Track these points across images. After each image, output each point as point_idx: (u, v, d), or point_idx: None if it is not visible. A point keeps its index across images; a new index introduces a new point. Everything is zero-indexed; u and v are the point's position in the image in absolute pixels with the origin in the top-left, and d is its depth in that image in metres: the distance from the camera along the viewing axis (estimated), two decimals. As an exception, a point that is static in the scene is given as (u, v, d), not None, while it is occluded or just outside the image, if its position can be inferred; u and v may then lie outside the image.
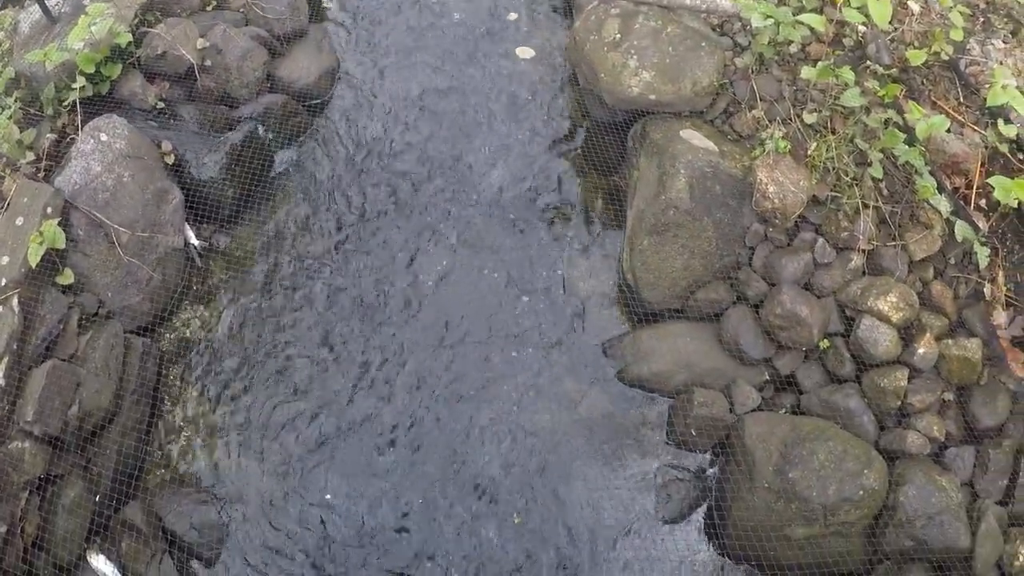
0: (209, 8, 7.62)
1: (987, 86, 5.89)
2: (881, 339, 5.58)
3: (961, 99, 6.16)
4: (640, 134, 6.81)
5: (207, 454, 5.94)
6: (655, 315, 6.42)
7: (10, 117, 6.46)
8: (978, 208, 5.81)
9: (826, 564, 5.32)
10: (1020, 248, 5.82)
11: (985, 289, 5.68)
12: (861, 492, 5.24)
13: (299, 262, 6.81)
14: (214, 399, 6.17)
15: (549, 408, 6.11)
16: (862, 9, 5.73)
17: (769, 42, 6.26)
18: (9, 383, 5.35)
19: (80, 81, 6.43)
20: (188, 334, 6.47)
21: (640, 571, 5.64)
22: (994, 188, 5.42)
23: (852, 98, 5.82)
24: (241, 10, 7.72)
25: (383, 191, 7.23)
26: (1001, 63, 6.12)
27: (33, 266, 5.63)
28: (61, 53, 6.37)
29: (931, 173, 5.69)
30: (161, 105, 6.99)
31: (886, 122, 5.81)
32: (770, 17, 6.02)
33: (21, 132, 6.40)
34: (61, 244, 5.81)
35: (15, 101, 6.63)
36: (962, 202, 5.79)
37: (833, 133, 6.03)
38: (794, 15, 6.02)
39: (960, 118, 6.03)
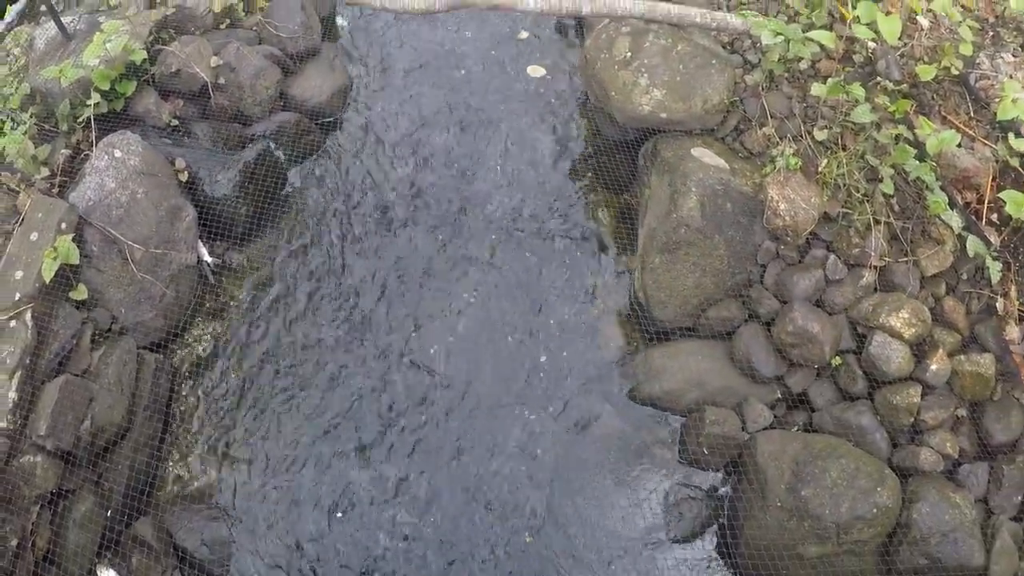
0: (223, 26, 7.67)
1: (997, 100, 5.88)
2: (893, 356, 5.56)
3: (972, 113, 6.16)
4: (651, 152, 6.83)
5: (218, 471, 5.94)
6: (667, 333, 6.40)
7: (25, 133, 6.52)
8: (990, 223, 5.79)
9: (839, 583, 5.29)
10: (1033, 263, 5.82)
11: (998, 304, 5.65)
12: (874, 510, 5.21)
13: (312, 280, 6.83)
14: (226, 416, 6.17)
15: (561, 426, 6.10)
16: (872, 26, 5.72)
17: (779, 59, 6.27)
18: (22, 397, 5.36)
19: (95, 98, 6.48)
20: (201, 351, 6.49)
21: (652, 589, 5.64)
22: (1006, 202, 5.41)
23: (862, 114, 5.81)
24: (254, 29, 7.78)
25: (395, 208, 7.25)
26: (1011, 77, 6.11)
27: (47, 281, 5.66)
28: (76, 70, 6.42)
29: (942, 188, 5.68)
30: (175, 122, 7.05)
31: (897, 138, 5.81)
32: (780, 34, 6.03)
33: (36, 148, 6.44)
34: (75, 260, 5.85)
35: (30, 117, 6.69)
36: (973, 217, 5.77)
37: (844, 149, 6.03)
38: (804, 32, 6.02)
39: (971, 133, 6.02)
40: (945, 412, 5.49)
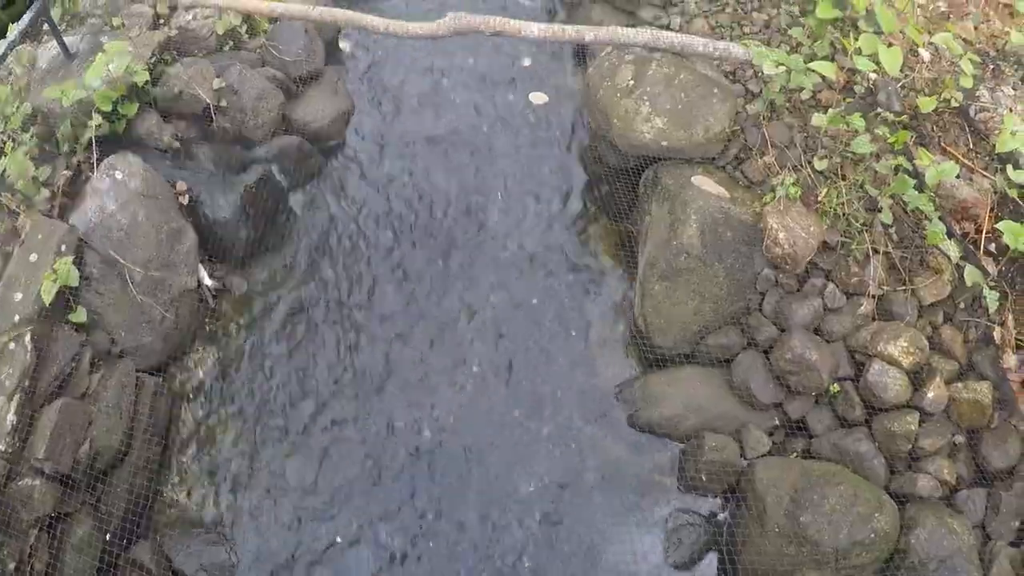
0: (226, 49, 7.69)
1: (997, 132, 5.93)
2: (891, 383, 5.59)
3: (971, 145, 6.20)
4: (652, 180, 6.85)
5: (217, 495, 5.93)
6: (666, 360, 6.41)
7: (26, 153, 6.49)
8: (987, 253, 5.84)
9: (838, 609, 5.28)
10: (1030, 292, 5.84)
11: (995, 333, 5.68)
12: (872, 535, 5.22)
13: (313, 305, 6.84)
14: (225, 440, 6.17)
15: (559, 452, 6.10)
16: (873, 57, 5.76)
17: (781, 89, 6.30)
18: (20, 420, 5.34)
19: (96, 119, 6.46)
20: (200, 375, 6.48)
21: (650, 616, 5.63)
22: (1003, 233, 5.43)
23: (862, 145, 5.85)
24: (257, 51, 7.79)
25: (395, 233, 7.27)
26: (1011, 110, 6.16)
27: (46, 303, 5.63)
28: (78, 90, 6.40)
29: (940, 218, 5.71)
30: (176, 144, 7.03)
31: (896, 168, 5.85)
32: (782, 65, 6.06)
33: (37, 168, 6.41)
34: (75, 282, 5.82)
35: (31, 137, 6.65)
36: (971, 247, 5.82)
37: (843, 179, 6.08)
38: (806, 63, 6.06)
39: (970, 164, 6.07)
40: (943, 439, 5.51)
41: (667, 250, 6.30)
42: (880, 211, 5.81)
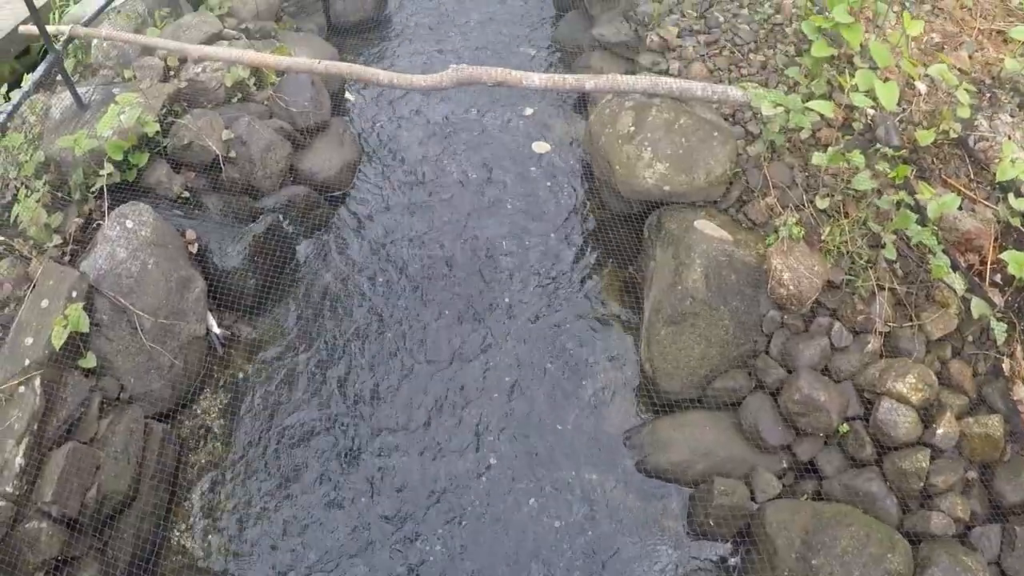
0: (234, 101, 7.82)
1: (997, 161, 5.96)
2: (901, 421, 5.54)
3: (971, 176, 6.22)
4: (655, 225, 6.90)
5: (224, 542, 5.89)
6: (674, 405, 6.40)
7: (39, 200, 6.59)
8: (993, 284, 5.81)
9: (851, 652, 5.21)
10: (1037, 322, 5.83)
11: (1004, 365, 5.65)
12: (886, 576, 5.17)
13: (320, 354, 6.85)
14: (232, 487, 6.14)
15: (567, 499, 6.06)
16: (870, 93, 5.82)
17: (780, 130, 6.36)
18: (29, 463, 5.34)
19: (108, 168, 6.58)
20: (208, 422, 6.48)
21: (662, 661, 5.57)
22: (1008, 263, 5.43)
23: (863, 181, 5.88)
24: (265, 103, 7.92)
25: (403, 285, 7.31)
26: (1010, 137, 6.19)
27: (57, 348, 5.68)
28: (90, 140, 6.53)
29: (944, 252, 5.70)
30: (186, 194, 7.14)
31: (898, 203, 5.86)
32: (780, 105, 6.13)
33: (49, 215, 6.53)
34: (85, 328, 5.88)
35: (44, 185, 6.77)
36: (977, 279, 5.80)
37: (846, 217, 6.10)
38: (804, 102, 6.13)
39: (971, 195, 6.08)
40: (955, 475, 5.43)
41: (672, 295, 6.30)
42: (884, 247, 5.80)
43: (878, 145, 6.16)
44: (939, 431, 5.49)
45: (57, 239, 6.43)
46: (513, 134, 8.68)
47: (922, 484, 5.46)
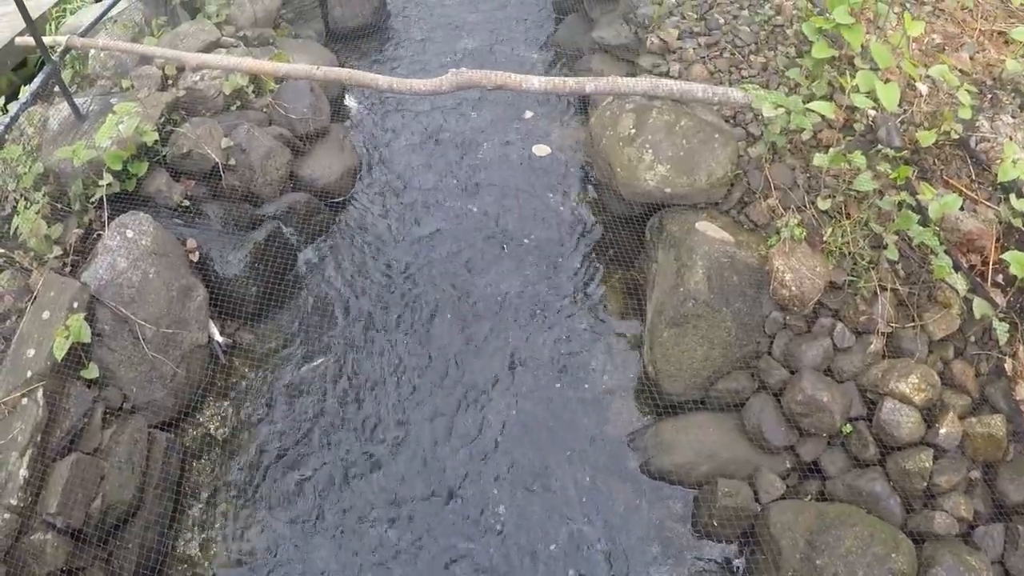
0: (233, 108, 7.83)
1: (998, 162, 5.95)
2: (904, 421, 5.53)
3: (973, 176, 6.21)
4: (657, 227, 6.89)
5: (229, 551, 5.89)
6: (677, 406, 6.39)
7: (38, 212, 6.60)
8: (995, 284, 5.80)
9: (857, 652, 5.20)
10: (1039, 322, 5.82)
11: (1006, 365, 5.64)
12: (890, 576, 5.16)
13: (323, 361, 6.86)
14: (237, 496, 6.14)
15: (572, 502, 6.05)
16: (871, 94, 5.81)
17: (781, 131, 6.35)
18: (33, 475, 5.34)
19: (107, 178, 6.58)
20: (211, 430, 6.49)
21: (667, 664, 5.56)
22: (1010, 263, 5.42)
23: (865, 182, 5.87)
24: (265, 110, 7.92)
25: (404, 289, 7.31)
26: (1011, 138, 6.18)
27: (59, 359, 5.68)
28: (89, 150, 6.53)
29: (946, 252, 5.69)
30: (186, 203, 7.14)
31: (899, 204, 5.85)
32: (781, 106, 6.12)
33: (49, 227, 6.54)
34: (87, 338, 5.87)
35: (43, 196, 6.78)
36: (979, 279, 5.79)
37: (848, 218, 6.09)
38: (805, 103, 6.12)
39: (973, 195, 6.07)
40: (958, 475, 5.43)
41: (674, 297, 6.29)
42: (886, 248, 5.79)
43: (879, 146, 6.16)
44: (942, 431, 5.48)
45: (57, 250, 6.43)
46: (513, 137, 8.68)
47: (925, 484, 5.46)
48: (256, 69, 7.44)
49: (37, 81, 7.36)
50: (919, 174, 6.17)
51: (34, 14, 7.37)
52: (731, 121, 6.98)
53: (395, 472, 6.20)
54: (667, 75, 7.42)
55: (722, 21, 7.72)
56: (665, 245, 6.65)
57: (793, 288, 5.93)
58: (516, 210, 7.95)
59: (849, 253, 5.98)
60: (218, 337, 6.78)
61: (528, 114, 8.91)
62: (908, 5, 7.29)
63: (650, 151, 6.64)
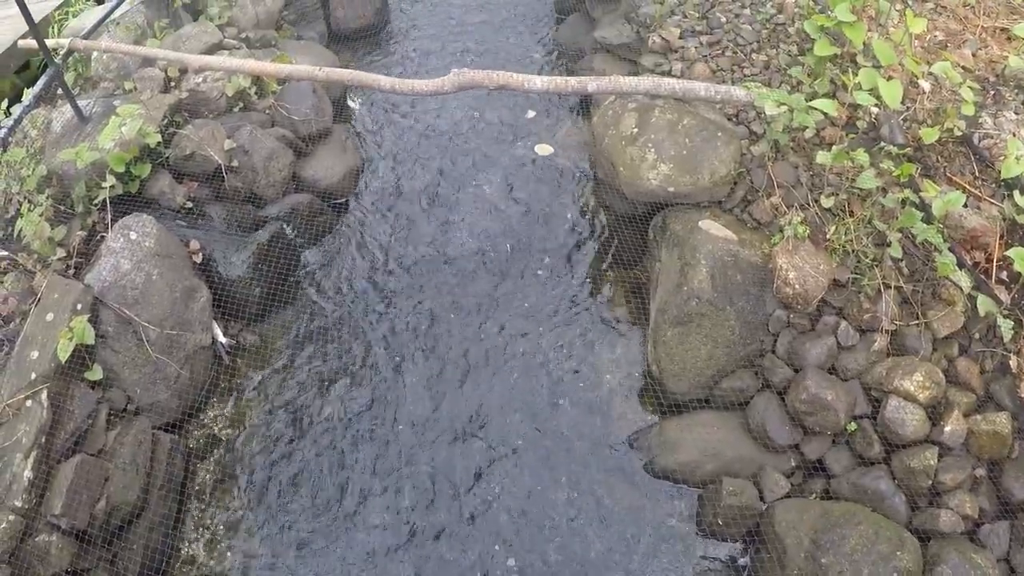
0: (236, 110, 7.83)
1: (1002, 159, 5.93)
2: (909, 419, 5.52)
3: (976, 173, 6.19)
4: (660, 226, 6.89)
5: (234, 551, 5.89)
6: (681, 405, 6.39)
7: (41, 214, 6.61)
8: (999, 281, 5.78)
9: (862, 650, 5.19)
10: (1044, 319, 5.80)
11: (1011, 362, 5.60)
12: (895, 574, 5.11)
13: (327, 361, 6.85)
14: (241, 497, 6.14)
15: (577, 502, 6.05)
16: (873, 91, 5.81)
17: (784, 129, 6.35)
18: (37, 476, 5.35)
19: (110, 180, 6.59)
20: (215, 431, 6.49)
21: (672, 663, 5.56)
22: (1014, 260, 5.41)
23: (868, 180, 5.86)
24: (267, 111, 7.92)
25: (408, 285, 7.31)
26: (1014, 135, 6.16)
27: (62, 361, 5.69)
28: (92, 152, 6.54)
29: (950, 249, 5.67)
30: (189, 204, 7.15)
31: (903, 202, 5.83)
32: (784, 104, 6.12)
33: (52, 229, 6.55)
34: (90, 340, 5.88)
35: (47, 198, 6.79)
36: (983, 276, 5.77)
37: (851, 216, 6.08)
38: (807, 101, 6.12)
39: (976, 192, 6.05)
40: (963, 473, 5.41)
41: (678, 296, 6.29)
42: (889, 245, 5.79)
43: (882, 143, 6.15)
44: (947, 429, 5.47)
45: (61, 252, 6.45)
46: (516, 137, 8.68)
47: (930, 482, 5.44)
48: (258, 70, 7.45)
49: (40, 84, 7.39)
50: (922, 171, 6.16)
51: (37, 17, 7.38)
52: (734, 119, 6.97)
53: (399, 471, 6.19)
54: (669, 74, 7.41)
55: (724, 20, 7.71)
56: (668, 244, 6.64)
57: (797, 286, 5.92)
58: (519, 210, 7.94)
59: (853, 251, 5.97)
60: (221, 338, 6.79)
61: (531, 114, 8.91)
62: (910, 2, 7.28)
63: (653, 150, 6.64)
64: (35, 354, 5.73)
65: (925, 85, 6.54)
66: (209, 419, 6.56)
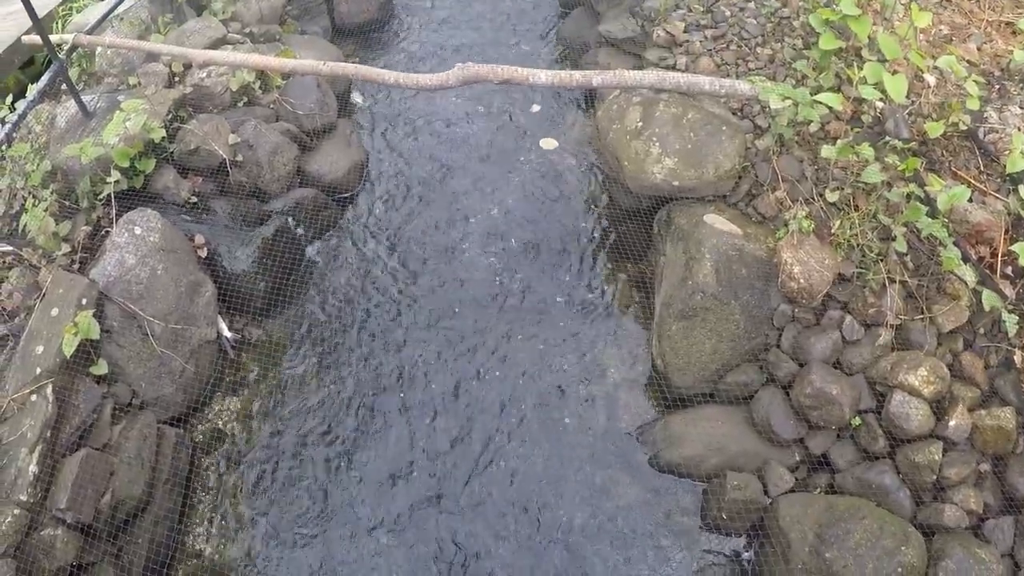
0: (240, 104, 7.84)
1: (1007, 153, 5.92)
2: (913, 414, 5.51)
3: (981, 168, 6.17)
4: (665, 220, 6.88)
5: (239, 545, 5.89)
6: (686, 400, 6.38)
7: (46, 210, 6.62)
8: (1004, 276, 5.76)
9: (866, 645, 5.19)
10: (1050, 314, 5.78)
11: (1016, 357, 5.60)
12: (899, 569, 5.11)
13: (332, 355, 6.86)
14: (247, 491, 6.14)
15: (582, 496, 6.05)
16: (878, 85, 5.79)
17: (788, 123, 6.34)
18: (43, 471, 5.35)
19: (115, 175, 6.60)
20: (221, 425, 6.49)
21: (677, 657, 5.55)
22: (1019, 255, 5.41)
23: (873, 174, 5.86)
24: (271, 106, 7.93)
25: (414, 281, 7.31)
26: (1020, 129, 6.14)
27: (67, 356, 5.69)
28: (97, 147, 6.55)
29: (955, 244, 5.68)
30: (194, 199, 7.15)
31: (908, 196, 5.83)
32: (788, 98, 6.10)
33: (57, 224, 6.56)
34: (95, 335, 5.87)
35: (51, 194, 6.80)
36: (988, 271, 5.76)
37: (856, 210, 6.07)
38: (812, 95, 6.10)
39: (981, 187, 6.04)
40: (968, 468, 5.40)
41: (683, 290, 6.29)
42: (894, 240, 5.78)
43: (887, 138, 6.14)
44: (951, 424, 5.46)
45: (66, 247, 6.46)
46: (520, 131, 8.67)
47: (935, 477, 5.43)
48: (263, 65, 7.44)
49: (44, 79, 7.38)
50: (927, 165, 6.15)
51: (41, 12, 7.39)
52: (738, 113, 6.97)
53: (403, 467, 6.20)
54: (674, 68, 7.41)
55: (728, 13, 7.71)
56: (673, 238, 6.64)
57: (802, 281, 5.92)
58: (523, 204, 7.94)
59: (858, 245, 5.96)
60: (227, 332, 6.79)
61: (535, 108, 8.90)
62: (915, -4, 7.28)
63: (657, 144, 6.63)
64: (40, 349, 5.74)
65: (930, 79, 6.52)
66: (214, 413, 6.56)
